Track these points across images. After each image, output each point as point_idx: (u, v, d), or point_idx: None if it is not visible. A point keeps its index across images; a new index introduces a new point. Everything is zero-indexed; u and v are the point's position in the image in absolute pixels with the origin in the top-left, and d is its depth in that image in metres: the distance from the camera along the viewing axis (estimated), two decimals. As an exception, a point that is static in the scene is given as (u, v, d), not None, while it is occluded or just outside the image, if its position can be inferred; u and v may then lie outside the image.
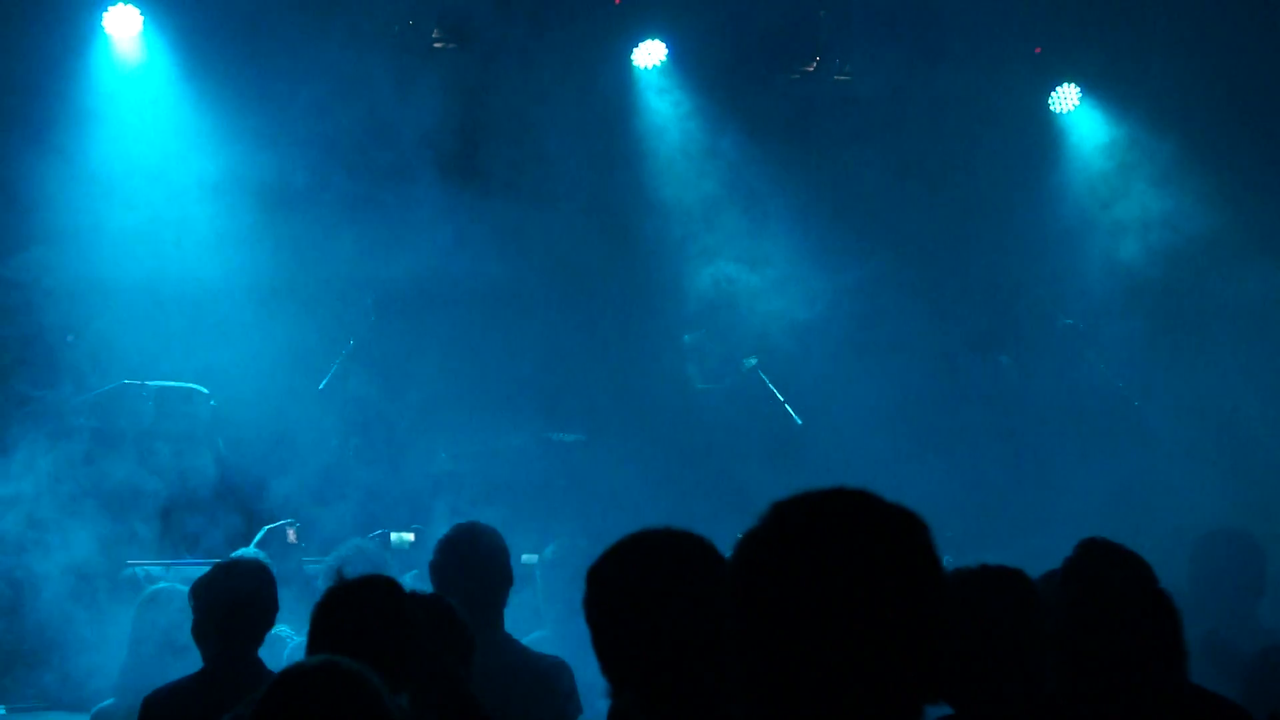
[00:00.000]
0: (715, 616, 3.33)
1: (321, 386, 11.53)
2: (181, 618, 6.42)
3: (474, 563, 6.33)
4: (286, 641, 7.15)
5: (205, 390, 11.34)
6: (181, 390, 11.29)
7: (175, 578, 9.92)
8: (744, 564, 2.58)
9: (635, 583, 3.48)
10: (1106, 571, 4.73)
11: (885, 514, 2.57)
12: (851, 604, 2.45)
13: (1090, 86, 14.02)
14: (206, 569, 6.66)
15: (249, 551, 8.72)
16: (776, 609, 2.50)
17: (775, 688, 2.50)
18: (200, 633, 6.16)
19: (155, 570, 10.05)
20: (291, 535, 9.74)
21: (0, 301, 11.17)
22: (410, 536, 9.82)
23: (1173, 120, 13.86)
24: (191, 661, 6.32)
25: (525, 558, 10.06)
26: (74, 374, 11.14)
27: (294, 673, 3.87)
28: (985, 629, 4.12)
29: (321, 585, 7.56)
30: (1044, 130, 14.21)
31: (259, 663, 6.04)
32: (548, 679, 6.08)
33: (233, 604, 6.10)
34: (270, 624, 6.20)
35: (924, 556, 2.55)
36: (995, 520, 11.45)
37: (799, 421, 12.00)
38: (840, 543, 2.49)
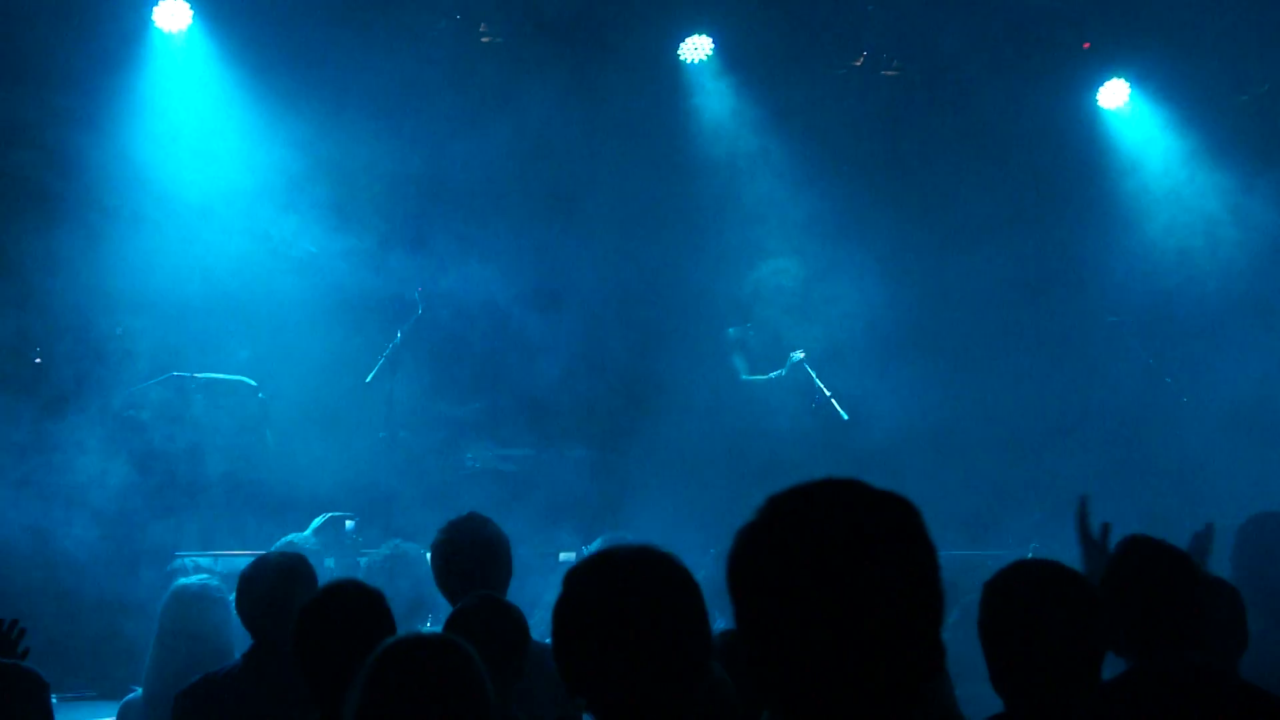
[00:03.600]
0: (672, 638, 3.38)
1: (369, 380, 11.56)
2: (206, 609, 6.42)
3: (479, 551, 6.33)
4: None
5: (253, 383, 11.41)
6: (230, 383, 11.36)
7: (224, 569, 10.03)
8: (740, 556, 2.60)
9: (595, 598, 3.48)
10: (1151, 567, 4.73)
11: (876, 500, 2.59)
12: (846, 590, 2.48)
13: (1139, 82, 13.94)
14: (253, 559, 6.67)
15: (302, 538, 8.77)
16: (772, 598, 2.52)
17: (775, 675, 2.53)
18: (242, 625, 6.18)
19: (205, 561, 10.14)
20: (349, 525, 9.77)
21: (51, 293, 11.27)
22: None
23: (1223, 115, 13.80)
24: (212, 652, 6.35)
25: (563, 556, 10.11)
26: (124, 365, 11.24)
27: (405, 643, 3.93)
28: (1041, 627, 4.10)
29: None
30: (1093, 125, 14.15)
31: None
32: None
33: (266, 599, 6.10)
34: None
35: (916, 540, 2.57)
36: (1036, 515, 11.41)
37: (845, 416, 11.96)
38: (833, 530, 2.52)
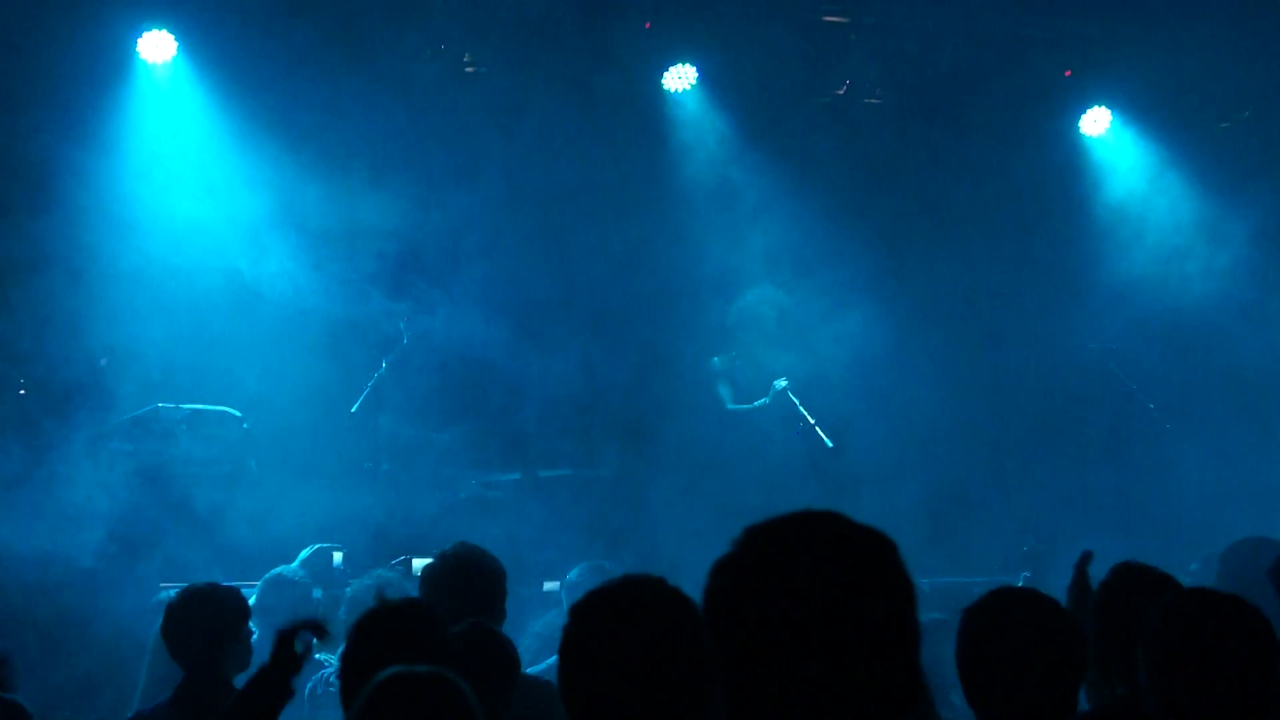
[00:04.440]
0: (681, 669, 3.37)
1: (354, 409, 11.56)
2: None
3: (472, 579, 6.31)
4: (323, 666, 7.16)
5: (238, 413, 11.39)
6: (215, 413, 11.34)
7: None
8: (716, 590, 2.60)
9: (603, 631, 3.48)
10: (1138, 594, 4.74)
11: (854, 534, 2.58)
12: (821, 624, 2.47)
13: (1121, 109, 14.00)
14: (240, 589, 6.66)
15: (290, 570, 8.75)
16: (749, 633, 2.51)
17: (751, 711, 2.51)
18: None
19: (189, 592, 10.08)
20: (337, 557, 9.74)
21: (35, 326, 11.24)
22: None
23: (1205, 142, 13.87)
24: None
25: (548, 585, 10.09)
26: (107, 397, 11.21)
27: (400, 677, 3.93)
28: (1018, 655, 4.10)
29: (344, 615, 7.59)
30: (1075, 153, 14.20)
31: (225, 682, 6.00)
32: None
33: (197, 630, 6.10)
34: (226, 648, 6.13)
35: (893, 575, 2.56)
36: (1027, 543, 11.42)
37: (829, 444, 11.98)
38: (810, 564, 2.51)
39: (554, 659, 6.93)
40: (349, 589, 8.27)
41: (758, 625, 2.50)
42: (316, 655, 6.46)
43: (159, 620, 6.56)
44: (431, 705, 3.87)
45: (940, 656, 4.14)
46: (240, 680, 5.67)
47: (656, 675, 3.38)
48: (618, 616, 3.48)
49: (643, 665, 3.39)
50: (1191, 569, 8.39)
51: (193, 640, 6.04)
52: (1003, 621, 4.16)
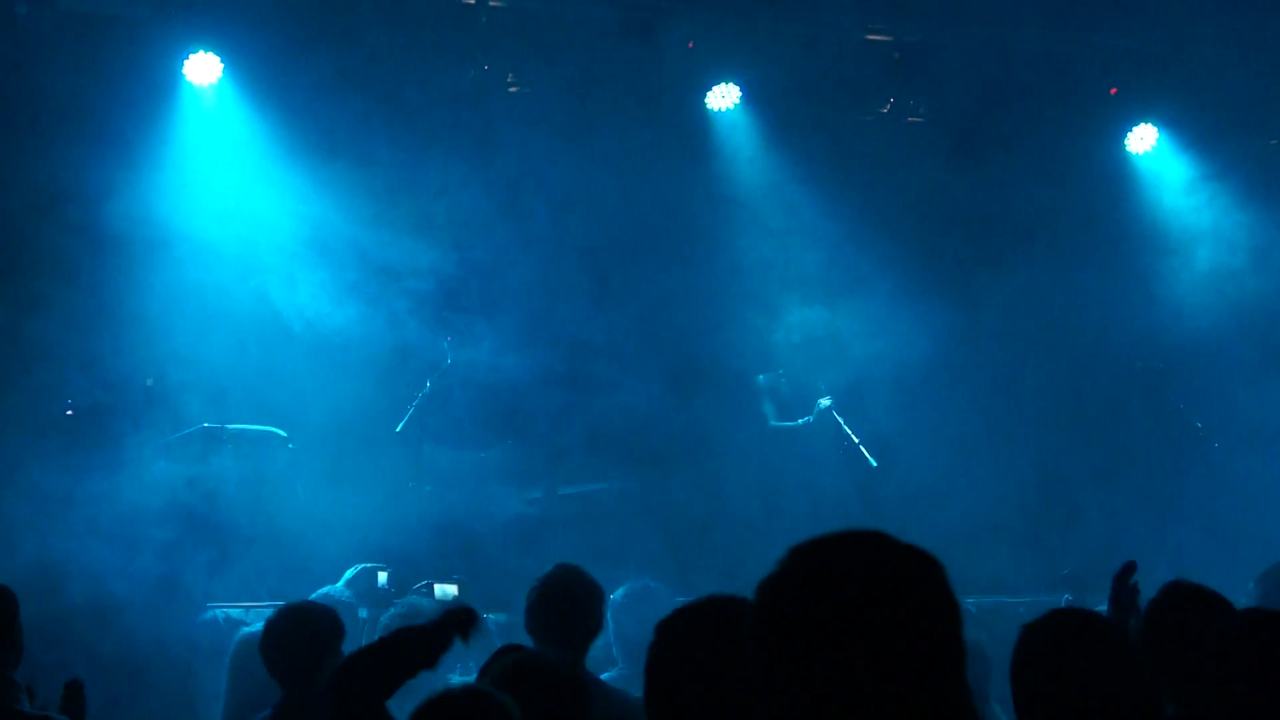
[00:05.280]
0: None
1: (399, 429, 11.59)
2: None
3: (569, 606, 6.34)
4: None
5: (284, 433, 11.43)
6: (260, 433, 11.38)
7: (255, 620, 10.00)
8: (762, 609, 2.60)
9: (697, 649, 3.47)
10: (1189, 614, 4.70)
11: (900, 554, 2.57)
12: (867, 644, 2.47)
13: (1168, 127, 13.93)
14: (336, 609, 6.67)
15: (336, 590, 8.76)
16: (794, 653, 2.51)
17: None
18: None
19: (235, 613, 10.13)
20: (382, 577, 9.75)
21: (82, 346, 11.31)
22: (453, 589, 9.78)
23: (1253, 159, 13.79)
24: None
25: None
26: (155, 417, 11.26)
27: (449, 695, 3.96)
28: (1078, 678, 4.07)
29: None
30: (1121, 171, 14.13)
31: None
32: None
33: (293, 651, 6.12)
34: (325, 665, 6.13)
35: (940, 595, 2.55)
36: (1070, 566, 11.35)
37: (874, 463, 11.95)
38: (857, 585, 2.51)
39: (612, 671, 6.97)
40: (383, 618, 8.27)
41: (803, 645, 2.50)
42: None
43: (205, 637, 6.58)
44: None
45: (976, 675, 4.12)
46: None
47: (741, 693, 3.36)
48: (706, 634, 3.48)
49: (728, 682, 3.37)
50: (1248, 589, 8.31)
51: (291, 659, 6.07)
52: (1064, 643, 4.12)
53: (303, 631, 6.15)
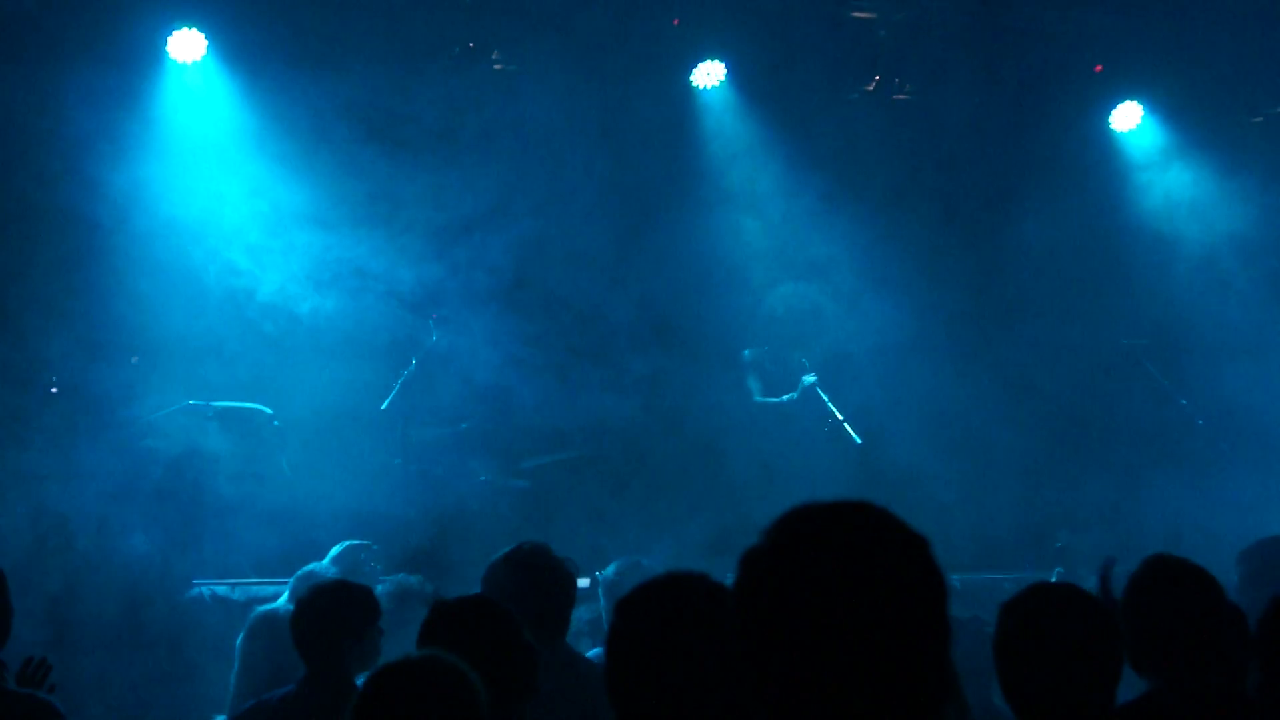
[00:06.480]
0: (724, 670, 3.31)
1: (384, 406, 11.57)
2: (288, 641, 6.41)
3: (547, 579, 6.30)
4: None
5: (269, 410, 11.42)
6: (245, 411, 11.37)
7: (240, 596, 10.02)
8: (745, 580, 2.57)
9: (658, 625, 3.47)
10: (1170, 587, 4.72)
11: (886, 527, 2.55)
12: (852, 618, 2.44)
13: (1152, 104, 13.94)
14: (271, 588, 6.69)
15: (321, 567, 8.77)
16: (777, 624, 2.49)
17: (778, 705, 2.49)
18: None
19: (221, 590, 10.15)
20: (366, 556, 9.75)
21: (66, 324, 11.28)
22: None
23: (1235, 137, 13.81)
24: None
25: (582, 582, 10.07)
26: (139, 394, 11.25)
27: (397, 665, 3.99)
28: (1056, 649, 4.10)
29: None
30: (1106, 148, 14.14)
31: (348, 680, 5.99)
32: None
33: (316, 627, 6.12)
34: (350, 644, 6.16)
35: (925, 570, 2.53)
36: (1061, 539, 11.40)
37: (858, 440, 11.97)
38: (841, 556, 2.48)
39: (599, 649, 6.98)
40: (378, 590, 8.27)
41: (786, 616, 2.48)
42: None
43: (191, 613, 6.60)
44: (428, 695, 3.92)
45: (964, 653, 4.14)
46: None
47: (702, 670, 3.36)
48: (665, 612, 3.47)
49: (689, 661, 3.37)
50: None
51: (320, 637, 6.07)
52: (1040, 617, 4.15)
53: (333, 611, 6.15)
